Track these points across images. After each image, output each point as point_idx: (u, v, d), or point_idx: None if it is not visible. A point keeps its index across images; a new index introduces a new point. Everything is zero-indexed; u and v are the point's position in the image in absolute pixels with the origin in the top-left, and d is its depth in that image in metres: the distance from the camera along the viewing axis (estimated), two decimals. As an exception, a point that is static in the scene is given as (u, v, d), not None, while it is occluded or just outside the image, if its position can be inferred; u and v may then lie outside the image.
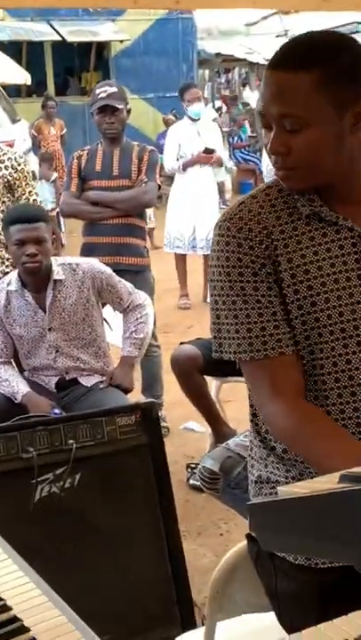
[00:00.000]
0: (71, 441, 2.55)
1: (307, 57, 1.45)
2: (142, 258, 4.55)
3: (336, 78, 1.44)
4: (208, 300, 6.30)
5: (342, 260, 1.51)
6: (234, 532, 3.61)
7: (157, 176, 4.54)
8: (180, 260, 7.42)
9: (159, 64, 15.27)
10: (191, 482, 3.95)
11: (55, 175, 9.95)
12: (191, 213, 7.25)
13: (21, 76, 12.51)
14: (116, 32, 14.99)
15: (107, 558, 2.56)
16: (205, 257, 7.46)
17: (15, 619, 1.33)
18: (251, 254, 1.53)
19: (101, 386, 3.49)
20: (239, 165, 14.89)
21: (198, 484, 3.83)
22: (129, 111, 4.56)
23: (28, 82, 12.76)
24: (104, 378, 3.52)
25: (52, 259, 3.47)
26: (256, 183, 15.22)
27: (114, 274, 3.56)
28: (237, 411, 4.57)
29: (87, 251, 4.45)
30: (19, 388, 3.39)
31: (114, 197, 4.45)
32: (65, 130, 12.66)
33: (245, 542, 1.74)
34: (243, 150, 15.32)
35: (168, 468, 2.68)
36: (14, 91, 14.08)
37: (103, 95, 4.42)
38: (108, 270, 3.55)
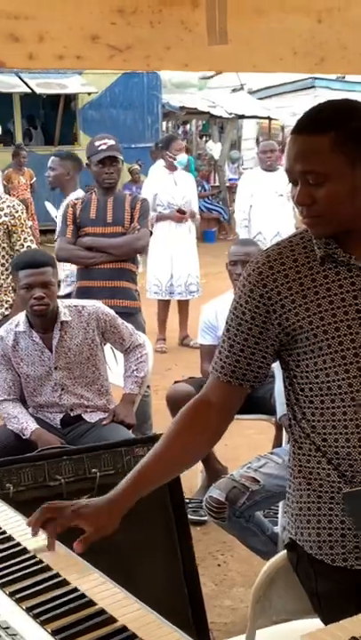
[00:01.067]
0: (94, 470, 2.72)
1: (324, 122, 1.71)
2: (134, 301, 4.76)
3: (349, 139, 1.69)
4: (185, 342, 6.54)
5: (353, 295, 1.75)
6: (230, 562, 3.78)
7: (149, 224, 4.77)
8: (163, 305, 7.66)
9: (125, 116, 15.63)
10: (186, 516, 4.10)
11: (30, 223, 10.15)
12: (169, 261, 7.52)
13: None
14: (84, 85, 15.33)
15: (127, 581, 2.70)
16: (180, 302, 7.71)
17: (102, 611, 1.51)
18: (248, 296, 1.81)
19: (104, 422, 3.66)
20: (203, 214, 15.25)
21: (194, 518, 4.01)
22: (122, 162, 4.81)
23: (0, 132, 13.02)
24: (107, 414, 3.69)
25: (59, 301, 3.65)
26: (220, 231, 15.61)
27: (117, 316, 3.76)
28: (225, 449, 4.76)
29: (82, 294, 4.64)
30: (27, 424, 3.54)
31: (108, 243, 4.67)
32: (35, 179, 12.90)
33: (282, 553, 1.92)
34: (207, 200, 15.71)
35: (183, 495, 2.84)
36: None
37: (104, 147, 4.67)
38: (112, 312, 3.75)
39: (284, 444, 3.48)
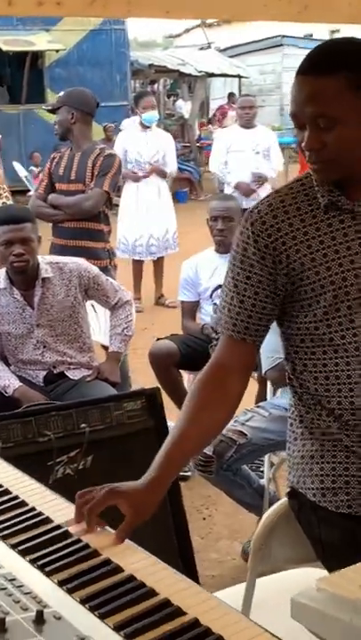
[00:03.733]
0: (84, 425, 2.70)
1: (334, 62, 1.63)
2: (100, 260, 4.58)
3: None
4: (160, 301, 6.51)
5: (358, 243, 1.71)
6: (215, 516, 3.80)
7: (109, 182, 4.60)
8: (137, 265, 7.59)
9: (93, 74, 15.37)
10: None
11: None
12: (145, 219, 7.45)
13: None
14: (51, 42, 15.07)
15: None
16: (155, 262, 7.66)
17: (109, 561, 1.48)
18: (254, 247, 1.74)
19: (89, 379, 3.62)
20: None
21: (179, 474, 4.00)
22: (73, 116, 4.66)
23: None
24: (90, 371, 3.65)
25: (39, 257, 3.60)
26: (191, 191, 15.50)
27: (101, 273, 3.71)
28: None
29: (54, 251, 4.60)
30: (10, 381, 3.50)
31: (62, 201, 4.64)
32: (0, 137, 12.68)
33: (282, 501, 1.92)
34: (177, 159, 15.55)
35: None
36: None
37: None
38: (95, 269, 3.70)
39: (269, 398, 3.48)
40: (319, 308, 1.72)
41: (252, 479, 3.27)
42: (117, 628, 1.27)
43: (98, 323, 4.14)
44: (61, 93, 4.87)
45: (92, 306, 4.04)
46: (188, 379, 4.36)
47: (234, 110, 17.73)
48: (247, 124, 7.33)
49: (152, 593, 1.37)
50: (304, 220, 1.73)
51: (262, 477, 3.42)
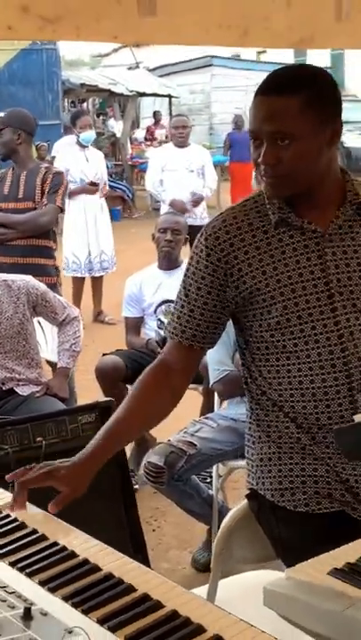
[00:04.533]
0: (40, 438, 2.75)
1: (294, 83, 1.77)
2: (50, 277, 4.70)
3: (318, 100, 1.77)
4: (99, 318, 6.56)
5: (306, 257, 1.84)
6: (165, 527, 3.87)
7: (60, 198, 4.73)
8: (78, 282, 7.64)
9: (25, 93, 15.36)
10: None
11: None
12: (85, 238, 7.53)
13: None
14: (-20, 61, 15.04)
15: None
16: (94, 279, 7.72)
17: (86, 561, 1.56)
18: (206, 260, 1.87)
19: (37, 395, 3.67)
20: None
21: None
22: (19, 136, 4.76)
23: None
24: (39, 387, 3.70)
25: (-13, 275, 3.64)
26: (124, 210, 15.61)
27: (49, 290, 3.77)
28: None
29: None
30: None
31: (14, 219, 4.69)
32: None
33: (241, 505, 2.01)
34: (110, 178, 15.63)
35: (127, 460, 2.91)
36: None
37: None
38: (43, 287, 3.75)
39: (216, 409, 3.58)
40: (272, 318, 1.84)
41: (202, 489, 3.36)
42: (101, 622, 1.35)
43: (45, 339, 4.19)
44: (1, 114, 4.95)
45: (39, 322, 4.09)
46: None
47: (161, 129, 17.98)
48: (181, 143, 7.49)
49: (131, 589, 1.45)
50: (256, 235, 1.85)
51: (210, 488, 3.52)
